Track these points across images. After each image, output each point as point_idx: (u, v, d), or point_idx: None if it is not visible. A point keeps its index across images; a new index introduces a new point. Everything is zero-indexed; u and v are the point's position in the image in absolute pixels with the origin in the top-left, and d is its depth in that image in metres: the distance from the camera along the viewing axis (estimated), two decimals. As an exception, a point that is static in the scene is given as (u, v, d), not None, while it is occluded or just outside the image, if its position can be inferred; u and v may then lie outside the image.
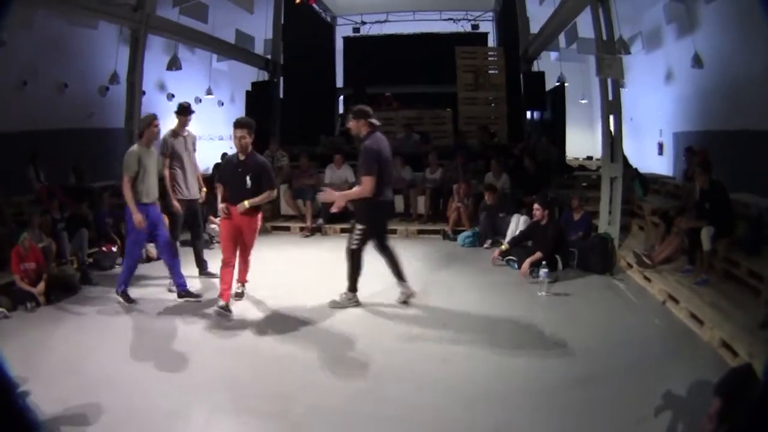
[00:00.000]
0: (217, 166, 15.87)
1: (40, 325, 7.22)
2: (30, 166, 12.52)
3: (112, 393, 5.27)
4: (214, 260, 8.57)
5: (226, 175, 7.77)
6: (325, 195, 8.10)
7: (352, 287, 7.81)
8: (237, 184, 7.52)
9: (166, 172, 8.61)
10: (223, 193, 7.71)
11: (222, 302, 7.41)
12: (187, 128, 8.93)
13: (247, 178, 7.45)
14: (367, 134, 7.46)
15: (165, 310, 7.77)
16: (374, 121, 7.53)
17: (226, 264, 7.59)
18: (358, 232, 7.53)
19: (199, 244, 9.42)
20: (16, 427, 2.83)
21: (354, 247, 7.59)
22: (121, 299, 8.00)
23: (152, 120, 8.06)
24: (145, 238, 8.27)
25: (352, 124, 7.55)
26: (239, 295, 8.17)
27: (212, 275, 9.00)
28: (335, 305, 7.73)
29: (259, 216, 7.88)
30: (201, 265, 9.40)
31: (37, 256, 8.16)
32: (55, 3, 11.01)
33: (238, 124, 7.51)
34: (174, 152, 8.65)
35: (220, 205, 7.63)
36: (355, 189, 7.49)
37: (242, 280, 8.30)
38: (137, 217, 7.68)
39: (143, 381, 5.62)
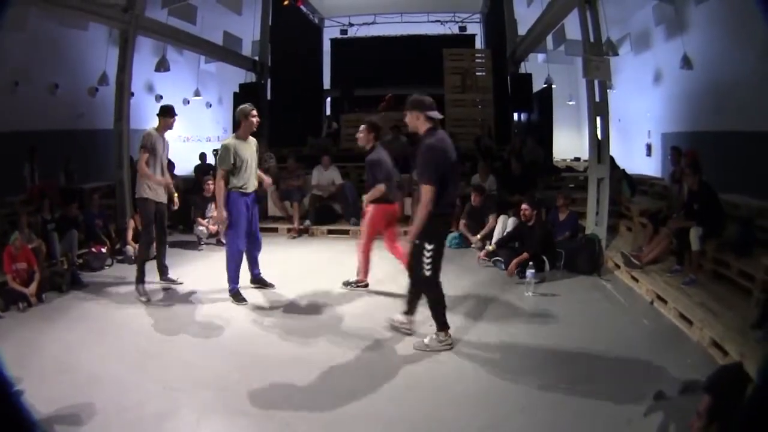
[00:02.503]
0: (198, 168, 15.90)
1: (32, 325, 7.22)
2: (26, 164, 12.53)
3: (104, 392, 5.29)
4: (202, 263, 8.62)
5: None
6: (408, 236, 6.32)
7: (443, 325, 6.39)
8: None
9: (145, 167, 8.16)
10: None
11: None
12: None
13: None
14: (427, 131, 6.08)
15: (155, 311, 7.77)
16: (434, 114, 6.13)
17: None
18: (427, 253, 6.12)
19: (162, 249, 8.87)
20: (12, 426, 2.84)
21: (428, 273, 6.18)
22: (231, 299, 8.07)
23: (250, 111, 7.93)
24: (245, 229, 8.01)
25: (408, 118, 6.17)
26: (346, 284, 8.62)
27: (173, 281, 8.87)
28: (423, 348, 6.32)
29: (375, 208, 8.06)
30: (162, 270, 8.91)
31: (28, 256, 8.16)
32: (45, 4, 10.98)
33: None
34: (154, 150, 8.26)
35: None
36: (417, 215, 6.04)
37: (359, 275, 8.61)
38: (221, 214, 7.79)
39: (134, 381, 5.62)
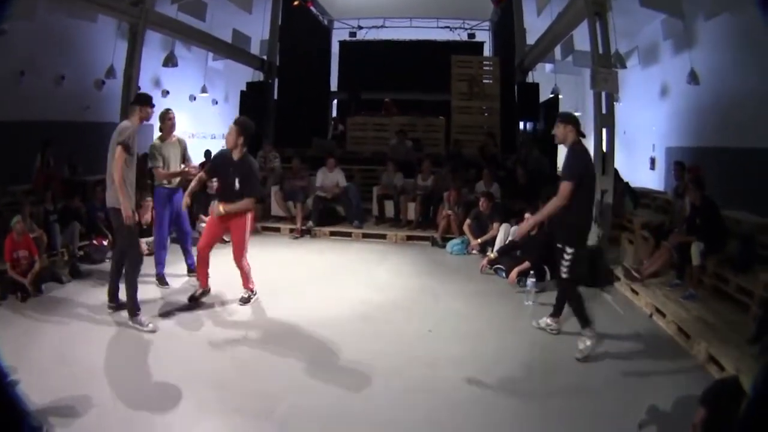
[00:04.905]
0: (203, 164, 15.91)
1: (30, 315, 7.23)
2: (38, 156, 12.54)
3: (100, 386, 5.30)
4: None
5: (219, 170, 7.81)
6: (521, 229, 7.60)
7: (585, 322, 6.52)
8: (228, 183, 7.61)
9: (122, 167, 7.19)
10: (217, 188, 8.16)
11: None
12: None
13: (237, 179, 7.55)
14: (575, 142, 6.49)
15: (154, 306, 7.73)
16: (581, 130, 6.60)
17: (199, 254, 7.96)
18: (567, 256, 6.46)
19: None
20: (6, 416, 2.84)
21: (566, 275, 6.56)
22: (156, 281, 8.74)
23: (165, 114, 8.56)
24: (167, 220, 8.66)
25: (561, 129, 6.52)
26: (245, 301, 7.96)
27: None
28: (584, 355, 6.33)
29: (249, 216, 7.79)
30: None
31: (29, 245, 8.16)
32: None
33: (235, 123, 7.62)
34: (131, 149, 7.22)
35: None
36: (548, 206, 6.52)
37: (246, 287, 8.03)
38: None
39: (132, 375, 5.65)
